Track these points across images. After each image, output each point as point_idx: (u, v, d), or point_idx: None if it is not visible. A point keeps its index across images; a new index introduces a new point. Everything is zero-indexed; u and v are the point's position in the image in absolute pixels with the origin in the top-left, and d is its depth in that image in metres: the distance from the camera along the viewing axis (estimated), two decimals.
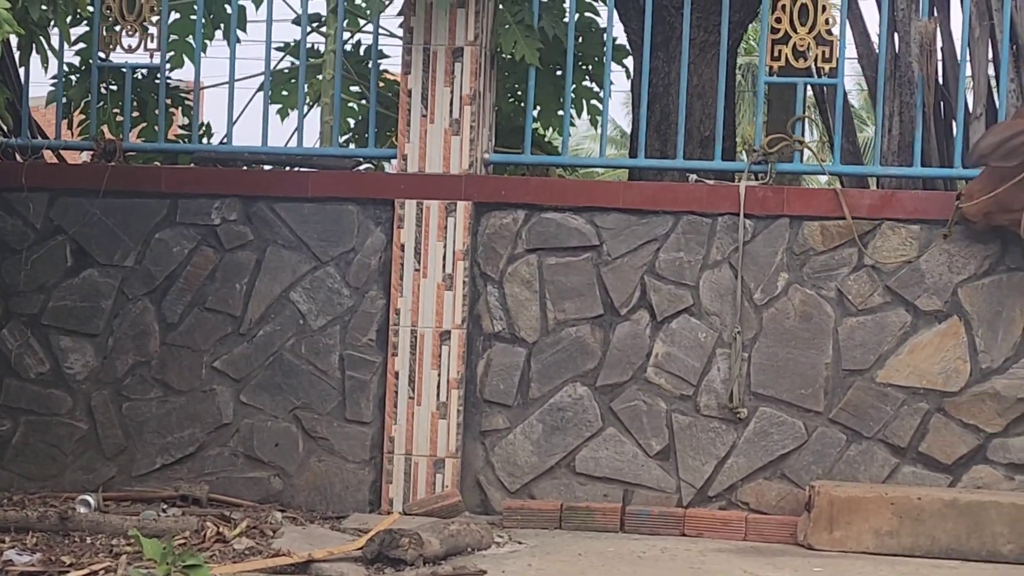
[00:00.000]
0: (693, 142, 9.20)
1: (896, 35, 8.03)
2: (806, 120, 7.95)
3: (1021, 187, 7.04)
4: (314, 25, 9.22)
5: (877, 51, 7.97)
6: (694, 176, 7.89)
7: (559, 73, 8.45)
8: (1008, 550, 6.96)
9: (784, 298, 7.56)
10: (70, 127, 8.65)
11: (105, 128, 8.47)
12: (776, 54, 7.74)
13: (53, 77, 8.47)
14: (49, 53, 7.10)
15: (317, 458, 7.82)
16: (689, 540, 7.30)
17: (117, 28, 8.31)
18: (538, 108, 8.73)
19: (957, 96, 7.85)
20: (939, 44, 7.90)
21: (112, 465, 7.97)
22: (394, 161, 8.01)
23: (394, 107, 8.47)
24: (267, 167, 8.30)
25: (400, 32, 7.94)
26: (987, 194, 7.15)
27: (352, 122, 9.48)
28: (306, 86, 8.57)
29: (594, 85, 8.90)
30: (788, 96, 9.27)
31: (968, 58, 7.84)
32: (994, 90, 7.96)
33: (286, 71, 9.36)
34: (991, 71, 8.00)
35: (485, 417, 7.75)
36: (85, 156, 8.71)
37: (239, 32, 8.49)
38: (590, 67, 8.87)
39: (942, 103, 7.98)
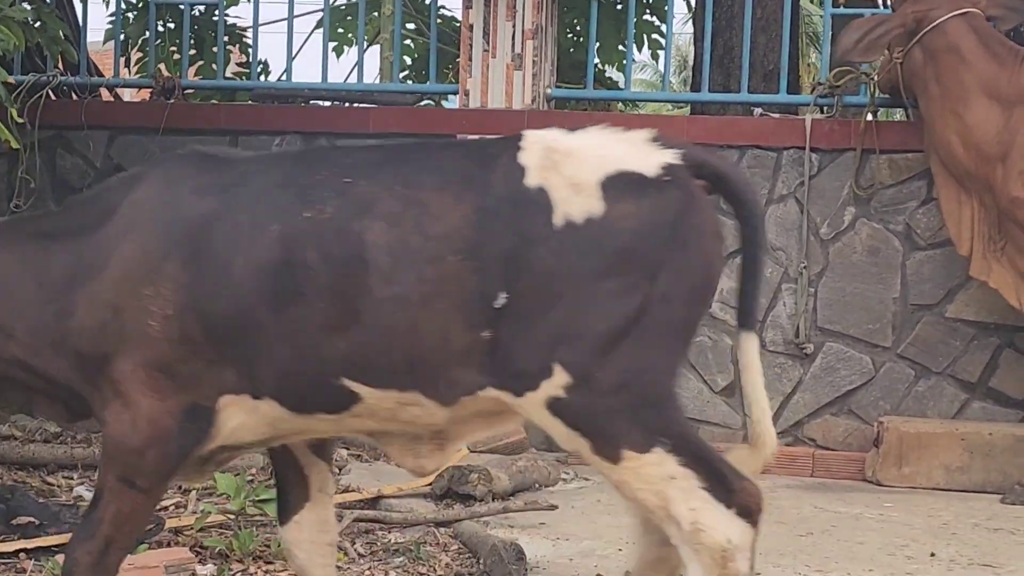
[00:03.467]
0: (757, 76, 9.09)
1: None
2: None
3: (894, 69, 7.18)
4: None
5: None
6: (759, 110, 7.79)
7: (619, 7, 8.35)
8: None
9: (851, 233, 7.47)
10: (127, 65, 8.61)
11: (163, 66, 8.44)
12: None
13: (110, 15, 8.43)
14: None
15: None
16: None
17: None
18: (598, 43, 8.62)
19: None
20: None
21: None
22: (454, 97, 7.93)
23: (451, 43, 8.39)
24: (327, 103, 8.25)
25: None
26: (883, 73, 7.34)
27: (409, 59, 9.41)
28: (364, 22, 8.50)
29: (655, 19, 8.79)
30: None
31: None
32: None
33: (343, 7, 9.30)
34: None
35: None
36: (143, 94, 8.67)
37: None
38: (651, 1, 8.76)
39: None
